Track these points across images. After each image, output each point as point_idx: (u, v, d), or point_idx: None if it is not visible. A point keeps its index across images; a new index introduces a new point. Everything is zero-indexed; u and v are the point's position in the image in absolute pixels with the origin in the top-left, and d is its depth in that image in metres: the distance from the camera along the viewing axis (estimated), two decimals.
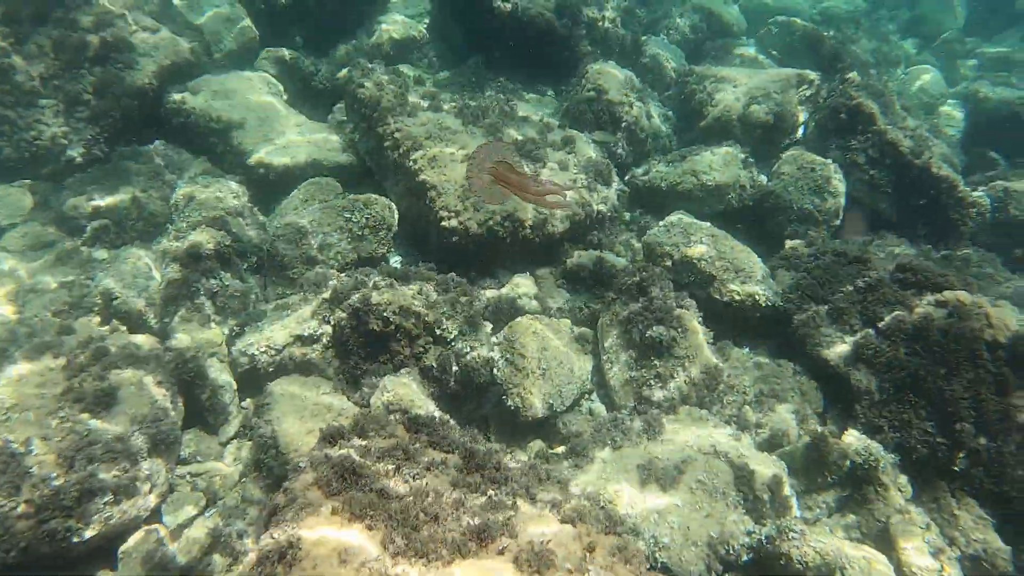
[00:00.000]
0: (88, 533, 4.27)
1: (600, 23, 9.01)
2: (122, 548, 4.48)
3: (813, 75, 8.09)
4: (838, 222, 7.17)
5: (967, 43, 13.04)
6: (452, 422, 4.83)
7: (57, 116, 7.19)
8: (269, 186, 7.20)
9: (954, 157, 8.23)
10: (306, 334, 5.34)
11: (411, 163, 6.43)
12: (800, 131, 8.03)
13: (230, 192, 6.80)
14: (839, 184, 7.17)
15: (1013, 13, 13.81)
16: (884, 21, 13.53)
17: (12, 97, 7.07)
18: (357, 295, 5.27)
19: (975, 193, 7.51)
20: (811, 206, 6.98)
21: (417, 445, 3.83)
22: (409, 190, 6.49)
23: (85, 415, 4.65)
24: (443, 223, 6.01)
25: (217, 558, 4.55)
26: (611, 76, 8.04)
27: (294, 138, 7.50)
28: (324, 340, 5.34)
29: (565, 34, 8.74)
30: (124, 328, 5.65)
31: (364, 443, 3.78)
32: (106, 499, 4.35)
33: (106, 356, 5.04)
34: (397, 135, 6.65)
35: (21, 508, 4.15)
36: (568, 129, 7.48)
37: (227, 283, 5.90)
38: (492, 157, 3.96)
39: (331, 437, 3.80)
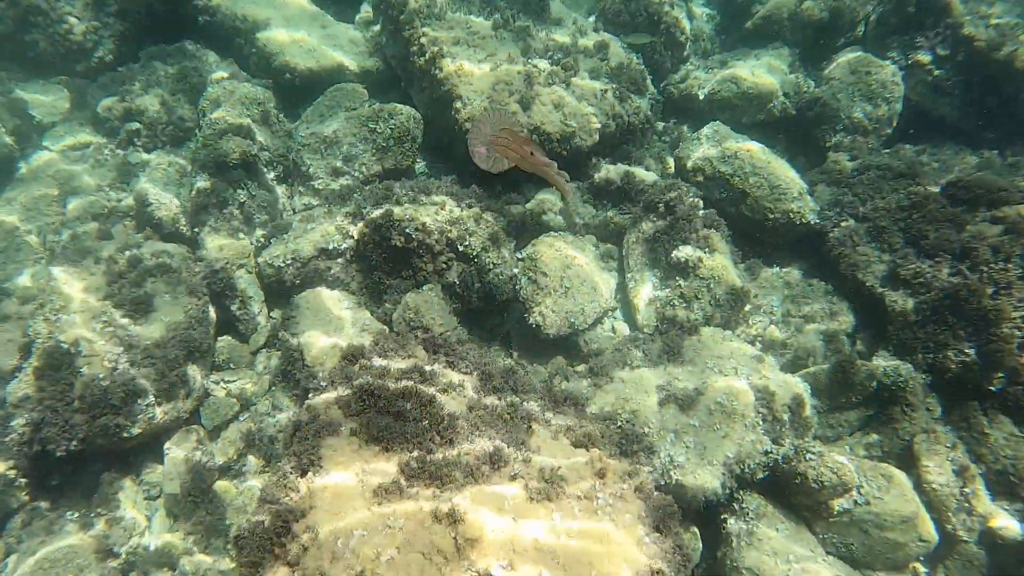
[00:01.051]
0: (135, 430, 4.57)
1: None
2: (166, 445, 4.80)
3: None
4: (890, 131, 6.73)
5: None
6: (468, 343, 4.92)
7: (87, 10, 7.11)
8: (295, 91, 7.05)
9: None
10: (330, 247, 5.39)
11: (437, 71, 6.20)
12: (861, 29, 7.41)
13: (256, 98, 6.69)
14: (896, 88, 6.66)
15: None
16: None
17: None
18: (379, 210, 5.25)
19: None
20: (861, 114, 6.55)
21: (435, 367, 3.91)
22: (435, 99, 6.30)
23: (126, 320, 4.86)
24: (467, 135, 5.84)
25: (252, 459, 4.84)
26: None
27: (320, 40, 7.26)
28: (347, 254, 5.39)
29: None
30: (157, 236, 5.80)
31: (384, 363, 3.87)
32: (147, 401, 4.62)
33: (141, 264, 5.20)
34: (423, 40, 6.38)
35: (76, 403, 4.46)
36: (603, 33, 7.07)
37: (254, 193, 5.92)
38: (495, 125, 3.86)
39: (351, 356, 3.89)
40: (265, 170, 6.19)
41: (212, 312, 5.22)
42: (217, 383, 5.02)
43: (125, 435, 4.54)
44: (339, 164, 6.18)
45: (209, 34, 7.33)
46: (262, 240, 5.74)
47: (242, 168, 5.88)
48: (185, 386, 4.76)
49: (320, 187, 6.21)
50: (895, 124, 6.80)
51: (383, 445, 3.21)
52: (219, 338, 5.29)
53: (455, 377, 3.85)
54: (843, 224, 5.54)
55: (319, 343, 4.74)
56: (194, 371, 4.87)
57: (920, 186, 5.38)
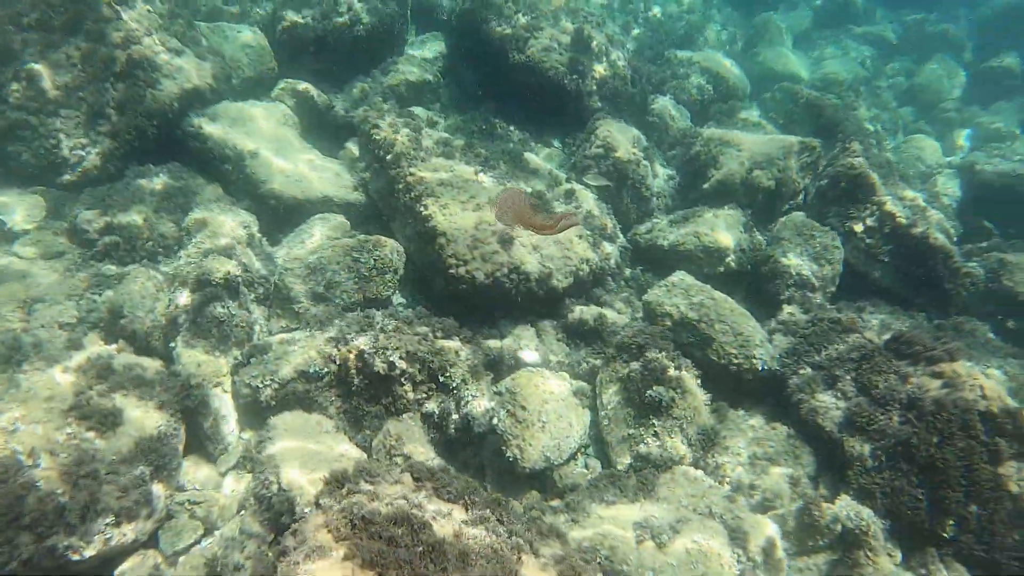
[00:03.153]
0: (88, 552, 4.28)
1: (610, 80, 9.26)
2: (117, 571, 4.49)
3: (815, 143, 8.34)
4: (834, 288, 7.34)
5: (965, 112, 13.34)
6: (453, 471, 4.90)
7: (78, 127, 7.28)
8: (278, 217, 7.31)
9: (949, 227, 8.47)
10: (311, 371, 5.41)
11: (422, 208, 6.56)
12: (801, 197, 8.27)
13: (241, 221, 6.90)
14: (837, 251, 7.37)
15: (1011, 85, 14.12)
16: (883, 89, 13.94)
17: (36, 103, 7.14)
18: (364, 337, 5.35)
19: (969, 263, 7.74)
20: (808, 272, 7.16)
21: (423, 494, 3.89)
22: (418, 234, 6.62)
23: (91, 433, 4.69)
24: (451, 271, 6.13)
25: None
26: (620, 134, 8.27)
27: (306, 172, 7.63)
28: (328, 379, 5.41)
29: (575, 88, 8.99)
30: (130, 349, 5.71)
31: (372, 488, 3.84)
32: (108, 520, 4.37)
33: (113, 375, 5.09)
34: (410, 179, 6.79)
35: (26, 520, 4.17)
36: (573, 182, 7.67)
37: (233, 312, 5.96)
38: (512, 203, 4.36)
39: (338, 480, 3.86)
40: (246, 291, 6.26)
41: (182, 429, 5.09)
42: (181, 504, 4.80)
43: (76, 557, 4.24)
44: (320, 290, 6.32)
45: (198, 158, 7.61)
46: (239, 359, 5.72)
47: (223, 287, 5.95)
48: (148, 506, 4.54)
49: (300, 311, 6.29)
50: (837, 283, 7.43)
51: (376, 571, 3.15)
52: (186, 457, 5.12)
53: (443, 506, 3.84)
54: (801, 372, 5.90)
55: (296, 466, 4.64)
56: (159, 489, 4.67)
57: (868, 339, 5.83)
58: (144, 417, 4.89)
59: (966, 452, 5.10)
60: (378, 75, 9.67)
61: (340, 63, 9.60)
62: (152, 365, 5.36)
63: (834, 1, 15.96)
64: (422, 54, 10.21)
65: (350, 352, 5.35)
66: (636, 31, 12.63)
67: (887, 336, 6.00)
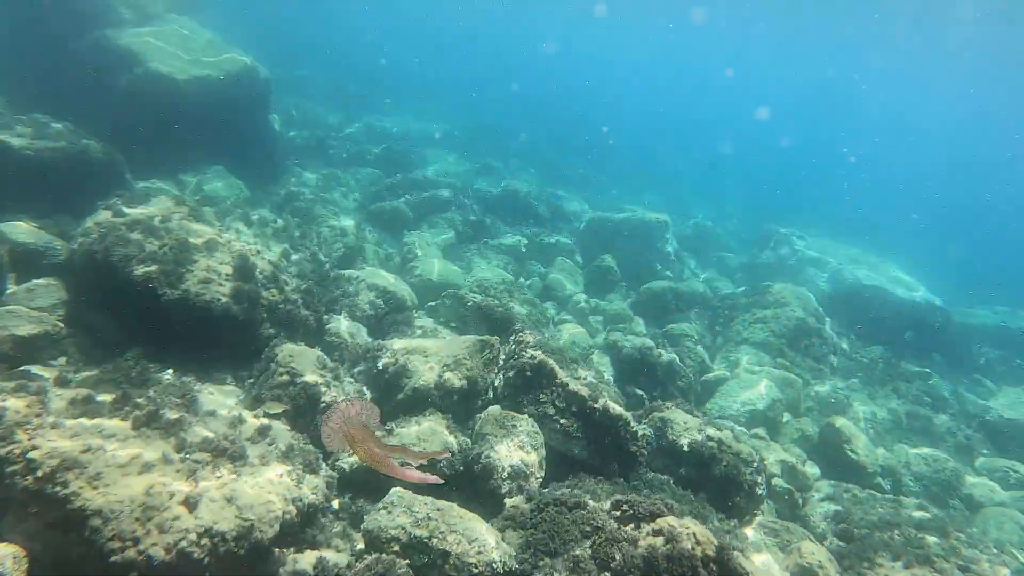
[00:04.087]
0: None
1: (281, 304, 8.86)
2: None
3: (494, 339, 8.81)
4: (542, 474, 7.41)
5: (591, 302, 15.81)
6: None
7: None
8: None
9: (617, 397, 9.39)
10: None
11: (58, 488, 5.08)
12: (491, 392, 8.50)
13: None
14: (538, 436, 7.55)
15: (613, 279, 17.50)
16: (526, 289, 15.80)
17: None
18: None
19: (641, 425, 8.55)
20: (518, 461, 7.15)
21: None
22: (51, 525, 5.02)
23: None
24: (114, 557, 4.72)
25: None
26: (303, 357, 7.77)
27: None
28: None
29: (245, 317, 8.38)
30: None
31: None
32: None
33: None
34: (34, 455, 5.28)
35: None
36: (262, 418, 6.83)
37: None
38: (352, 419, 3.68)
39: None
40: None
41: None
42: None
43: None
44: None
45: None
46: None
47: None
48: None
49: None
50: (544, 466, 7.54)
51: None
52: None
53: None
54: (541, 563, 5.60)
55: None
56: None
57: (592, 512, 5.84)
58: None
59: None
60: None
61: None
62: None
63: (467, 221, 18.26)
64: (33, 304, 8.63)
65: None
66: (296, 256, 12.63)
67: (607, 505, 6.10)
